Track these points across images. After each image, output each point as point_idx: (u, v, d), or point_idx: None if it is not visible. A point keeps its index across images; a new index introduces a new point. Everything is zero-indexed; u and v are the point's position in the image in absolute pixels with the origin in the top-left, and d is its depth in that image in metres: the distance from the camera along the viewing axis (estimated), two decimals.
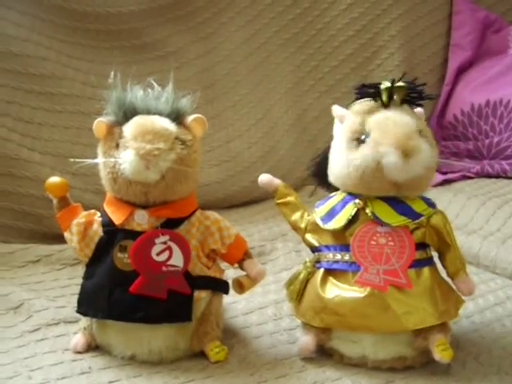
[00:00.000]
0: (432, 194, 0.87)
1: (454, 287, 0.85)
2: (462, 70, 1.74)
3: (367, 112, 0.82)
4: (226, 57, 1.57)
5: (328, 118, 0.90)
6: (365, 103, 0.83)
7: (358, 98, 0.84)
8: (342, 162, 0.82)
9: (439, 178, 1.52)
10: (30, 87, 1.34)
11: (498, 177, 1.56)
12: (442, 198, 1.35)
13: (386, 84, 0.82)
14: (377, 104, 0.83)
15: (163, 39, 1.51)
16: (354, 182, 0.82)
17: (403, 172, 0.79)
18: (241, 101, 1.56)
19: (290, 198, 0.89)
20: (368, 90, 0.83)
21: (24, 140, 1.32)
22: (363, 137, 0.81)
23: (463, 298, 0.85)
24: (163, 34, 1.51)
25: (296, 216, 0.88)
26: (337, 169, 0.84)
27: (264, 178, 0.90)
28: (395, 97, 0.82)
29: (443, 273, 0.85)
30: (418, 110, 0.85)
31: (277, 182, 0.90)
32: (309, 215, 0.87)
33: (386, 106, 0.82)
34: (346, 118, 0.84)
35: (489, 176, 1.57)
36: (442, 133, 1.69)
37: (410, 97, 0.83)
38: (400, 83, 0.82)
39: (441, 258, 0.85)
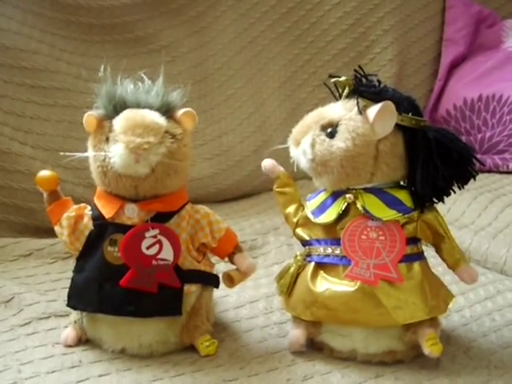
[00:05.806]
0: None
1: (443, 282, 0.85)
2: (454, 65, 1.74)
3: None
4: (219, 51, 1.57)
5: None
6: None
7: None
8: None
9: None
10: (22, 81, 1.34)
11: (489, 171, 1.57)
12: None
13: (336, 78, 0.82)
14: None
15: (156, 33, 1.51)
16: None
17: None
18: (233, 95, 1.56)
19: (289, 189, 0.88)
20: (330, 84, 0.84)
21: (15, 134, 1.31)
22: None
23: (453, 293, 0.85)
24: (156, 27, 1.51)
25: (290, 209, 0.88)
26: None
27: (267, 164, 0.89)
28: (345, 90, 0.82)
29: (434, 268, 0.85)
30: (370, 109, 0.79)
31: (279, 169, 0.89)
32: (303, 211, 0.86)
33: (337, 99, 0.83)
34: None
35: (481, 171, 1.56)
36: None
37: (359, 90, 0.81)
38: (344, 77, 0.81)
39: (438, 251, 0.84)
